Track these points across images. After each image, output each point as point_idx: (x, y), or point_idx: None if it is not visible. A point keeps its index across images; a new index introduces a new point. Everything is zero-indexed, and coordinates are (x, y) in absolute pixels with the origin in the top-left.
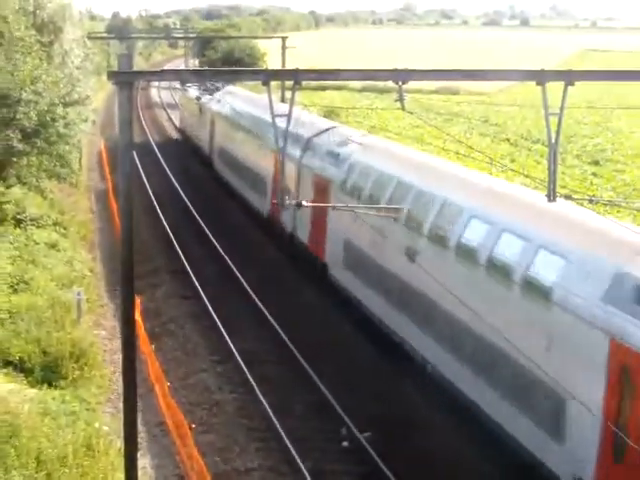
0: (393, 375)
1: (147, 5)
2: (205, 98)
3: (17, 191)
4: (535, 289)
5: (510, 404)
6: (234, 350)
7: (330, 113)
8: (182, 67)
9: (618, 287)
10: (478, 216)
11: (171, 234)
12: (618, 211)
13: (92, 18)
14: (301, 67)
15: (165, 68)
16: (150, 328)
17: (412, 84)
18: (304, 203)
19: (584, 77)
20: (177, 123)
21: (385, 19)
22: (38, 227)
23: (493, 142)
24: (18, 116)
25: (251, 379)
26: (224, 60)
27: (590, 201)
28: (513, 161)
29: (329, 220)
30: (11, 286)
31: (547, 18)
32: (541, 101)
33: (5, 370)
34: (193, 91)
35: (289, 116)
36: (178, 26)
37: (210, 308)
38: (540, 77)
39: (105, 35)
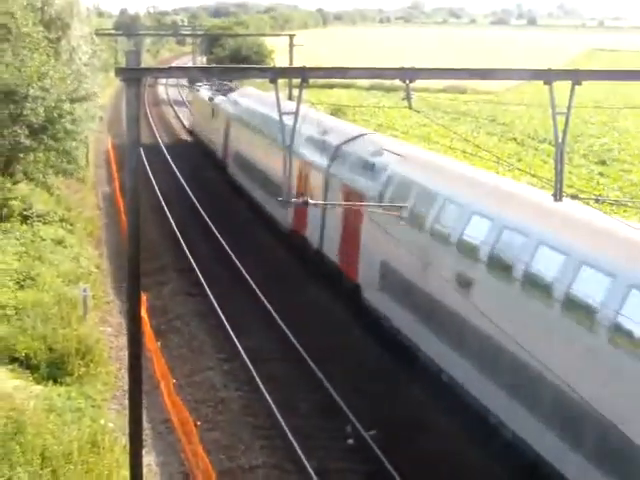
0: (401, 376)
1: (155, 2)
2: (218, 99)
3: (24, 187)
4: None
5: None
6: (240, 348)
7: (337, 111)
8: (190, 64)
9: None
10: (551, 245)
11: (179, 233)
12: (625, 211)
13: (100, 15)
14: (308, 65)
15: (173, 65)
16: (156, 325)
17: (419, 83)
18: (310, 201)
19: (591, 77)
20: (184, 121)
21: (393, 17)
22: (44, 223)
23: (500, 141)
24: (25, 112)
25: (257, 377)
26: (232, 58)
27: (597, 201)
28: (520, 160)
29: (363, 237)
30: (17, 282)
31: (554, 17)
32: (548, 100)
33: (11, 366)
34: (205, 91)
35: (296, 114)
36: (186, 23)
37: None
38: (547, 76)
39: (113, 32)
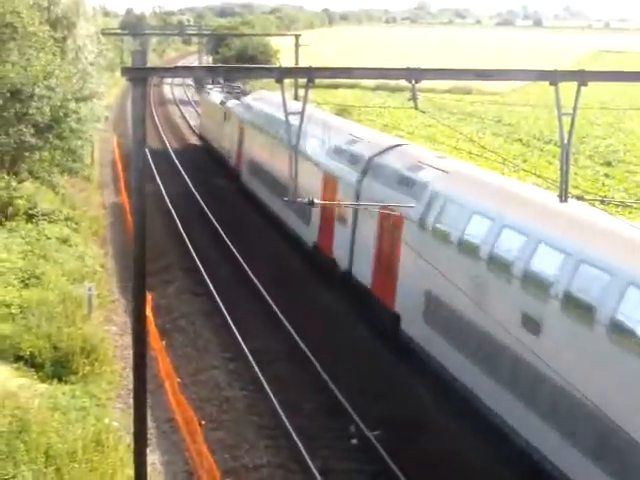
0: (406, 376)
1: (161, 2)
2: (231, 102)
3: (29, 186)
4: None
5: None
6: (244, 347)
7: (342, 111)
8: (196, 64)
9: None
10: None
11: (187, 238)
12: (630, 212)
13: (106, 14)
14: (314, 65)
15: (179, 65)
16: (161, 324)
17: (425, 83)
18: (315, 200)
19: (597, 78)
20: (190, 121)
21: (399, 18)
22: (50, 222)
23: (506, 142)
24: (31, 111)
25: (261, 377)
26: (237, 57)
27: (602, 202)
28: (525, 161)
29: (402, 261)
30: (22, 281)
31: (560, 19)
32: (554, 101)
33: (16, 365)
34: (216, 94)
35: (302, 114)
36: (192, 23)
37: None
38: (553, 77)
39: (119, 31)
